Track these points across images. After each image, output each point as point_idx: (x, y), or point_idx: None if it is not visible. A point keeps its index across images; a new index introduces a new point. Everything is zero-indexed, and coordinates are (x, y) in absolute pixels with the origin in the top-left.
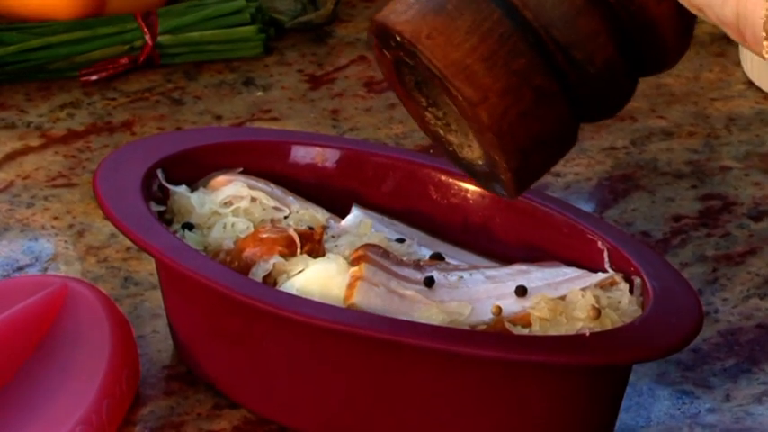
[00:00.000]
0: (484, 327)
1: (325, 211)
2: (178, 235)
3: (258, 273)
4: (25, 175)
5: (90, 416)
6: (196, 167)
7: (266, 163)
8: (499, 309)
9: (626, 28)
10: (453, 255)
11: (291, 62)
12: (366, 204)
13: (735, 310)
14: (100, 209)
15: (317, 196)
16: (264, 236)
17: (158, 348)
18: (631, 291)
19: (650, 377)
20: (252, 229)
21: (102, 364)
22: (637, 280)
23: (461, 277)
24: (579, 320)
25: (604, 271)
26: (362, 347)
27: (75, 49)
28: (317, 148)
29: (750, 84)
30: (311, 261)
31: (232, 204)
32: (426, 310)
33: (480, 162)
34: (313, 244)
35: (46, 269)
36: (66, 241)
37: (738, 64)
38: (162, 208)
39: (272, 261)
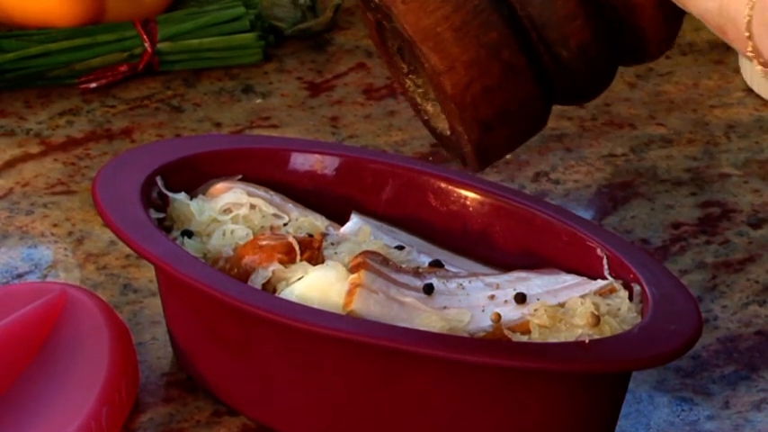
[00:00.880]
0: (483, 334)
1: (324, 219)
2: (177, 242)
3: (257, 280)
4: (24, 183)
5: (89, 423)
6: (195, 175)
7: (265, 170)
8: (498, 316)
9: (606, 14)
10: (452, 262)
11: (291, 69)
12: (365, 211)
13: (734, 317)
14: (99, 216)
15: (316, 203)
16: (264, 243)
17: (158, 355)
18: (631, 298)
19: (649, 384)
20: (251, 237)
21: (102, 372)
22: (636, 287)
23: (461, 284)
24: (578, 328)
25: (604, 278)
26: (362, 354)
27: (75, 56)
28: (317, 156)
29: (749, 91)
30: (310, 268)
31: (231, 211)
32: (425, 318)
33: (448, 133)
34: (312, 251)
35: (45, 276)
36: (65, 248)
37: (737, 71)
38: (161, 215)
39: (271, 268)
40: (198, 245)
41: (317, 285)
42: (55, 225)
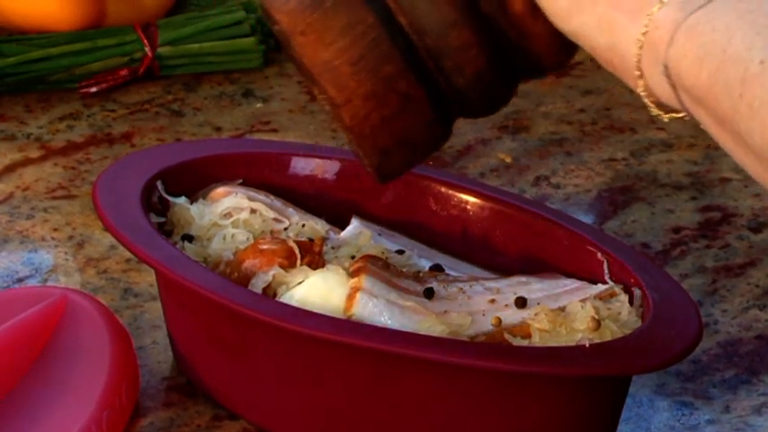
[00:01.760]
0: (483, 338)
1: (324, 223)
2: (178, 246)
3: (258, 284)
4: (25, 187)
5: (90, 427)
6: (196, 179)
7: (266, 174)
8: (499, 320)
9: (501, 42)
10: (453, 266)
11: (291, 74)
12: (365, 216)
13: (734, 321)
14: (99, 220)
15: (316, 208)
16: (264, 247)
17: (158, 360)
18: (631, 302)
19: (650, 388)
20: (251, 241)
21: (102, 376)
22: (636, 291)
23: (461, 289)
24: (579, 332)
25: (604, 282)
26: (362, 359)
27: (75, 60)
28: (317, 160)
29: None
30: (311, 272)
31: (232, 216)
32: (426, 322)
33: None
34: (313, 255)
35: (46, 280)
36: (65, 253)
37: None
38: (162, 219)
39: (271, 272)
40: (198, 249)
41: (318, 290)
42: (55, 229)
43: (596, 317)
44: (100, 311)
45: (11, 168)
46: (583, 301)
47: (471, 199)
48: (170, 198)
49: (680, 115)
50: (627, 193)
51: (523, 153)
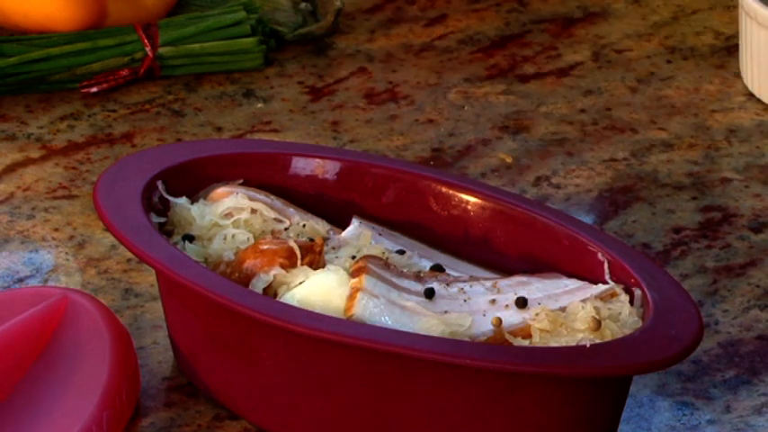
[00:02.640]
0: (484, 338)
1: (325, 223)
2: (178, 246)
3: (258, 284)
4: (26, 187)
5: (90, 427)
6: (196, 179)
7: (267, 175)
8: (499, 320)
9: None
10: (454, 266)
11: (292, 74)
12: (366, 216)
13: (735, 321)
14: (100, 220)
15: (317, 208)
16: (265, 247)
17: (159, 360)
18: (632, 302)
19: (650, 388)
20: (252, 241)
21: (103, 376)
22: (637, 291)
23: (462, 289)
24: (579, 332)
25: (605, 282)
26: (363, 359)
27: (76, 60)
28: (318, 160)
29: (750, 95)
30: (311, 272)
31: (232, 216)
32: (426, 322)
33: None
34: (313, 255)
35: (46, 281)
36: (66, 253)
37: (739, 75)
38: (162, 219)
39: (272, 272)
40: (199, 249)
41: (319, 290)
42: (56, 229)
43: (597, 317)
44: (100, 312)
45: (11, 168)
46: (583, 301)
47: (472, 199)
48: (171, 198)
49: None
50: (627, 193)
51: (524, 153)
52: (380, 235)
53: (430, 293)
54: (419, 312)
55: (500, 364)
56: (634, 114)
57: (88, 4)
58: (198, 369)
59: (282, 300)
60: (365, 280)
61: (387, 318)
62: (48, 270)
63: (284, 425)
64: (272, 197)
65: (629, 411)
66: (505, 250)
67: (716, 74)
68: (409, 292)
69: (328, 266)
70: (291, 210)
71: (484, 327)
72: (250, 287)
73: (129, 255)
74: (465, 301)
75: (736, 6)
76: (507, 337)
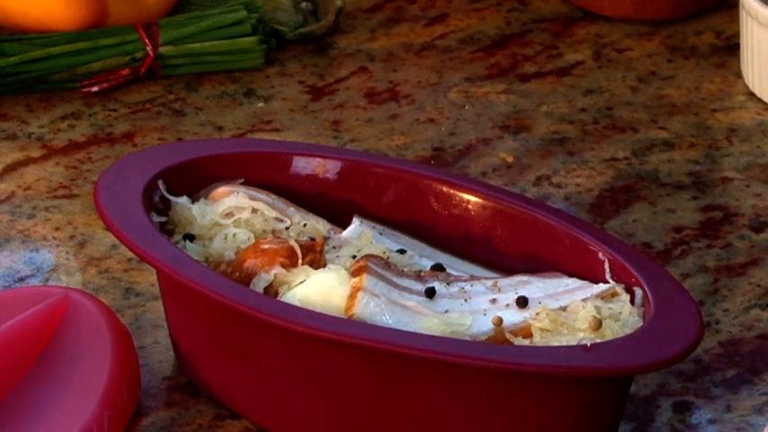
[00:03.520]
0: (485, 338)
1: (326, 222)
2: (179, 246)
3: (259, 284)
4: (26, 186)
5: (91, 426)
6: (197, 178)
7: (267, 174)
8: (500, 320)
9: None
10: (454, 266)
11: (292, 73)
12: (367, 215)
13: (736, 320)
14: (101, 220)
15: (318, 207)
16: (266, 247)
17: (159, 359)
18: (632, 302)
19: (651, 388)
20: (253, 240)
21: (103, 375)
22: (638, 291)
23: (462, 288)
24: (580, 331)
25: (605, 282)
26: (363, 358)
27: (77, 60)
28: (318, 160)
29: (751, 95)
30: (312, 272)
31: (233, 215)
32: (427, 321)
33: None
34: (314, 255)
35: (47, 280)
36: (67, 252)
37: (739, 75)
38: (163, 219)
39: (273, 272)
40: (200, 249)
41: (319, 289)
42: (57, 229)
43: (597, 316)
44: (101, 311)
45: (12, 168)
46: (584, 300)
47: (473, 198)
48: (171, 198)
49: None
50: (628, 192)
51: (525, 152)
52: (381, 234)
53: (431, 293)
54: (420, 312)
55: (501, 364)
56: (635, 114)
57: (89, 3)
58: (199, 368)
59: (283, 299)
60: (366, 279)
61: (387, 317)
62: (48, 269)
63: (285, 424)
64: (273, 196)
65: (629, 411)
66: (506, 250)
67: (717, 73)
68: (410, 291)
69: (329, 266)
70: (292, 209)
71: (485, 326)
72: (251, 286)
73: (130, 254)
74: (466, 300)
75: (736, 6)
76: (508, 336)
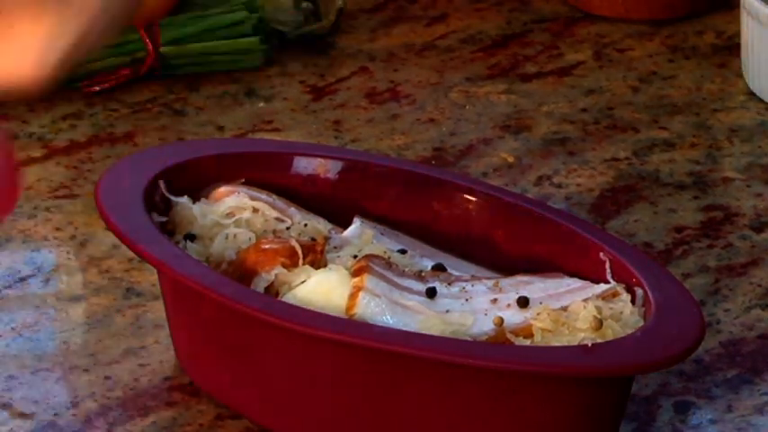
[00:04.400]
0: (485, 338)
1: (326, 222)
2: (180, 246)
3: (260, 284)
4: (27, 186)
5: None
6: (198, 178)
7: (268, 174)
8: (501, 320)
9: None
10: (455, 266)
11: (293, 73)
12: (368, 215)
13: (737, 320)
14: (102, 220)
15: (318, 207)
16: (266, 247)
17: (160, 359)
18: (633, 302)
19: (652, 388)
20: (254, 240)
21: None
22: (639, 291)
23: (463, 288)
24: (581, 331)
25: (606, 282)
26: (364, 358)
27: None
28: (319, 159)
29: (752, 95)
30: (313, 272)
31: (234, 215)
32: (428, 321)
33: None
34: (315, 255)
35: (48, 280)
36: (68, 252)
37: (740, 75)
38: (164, 219)
39: (273, 272)
40: (200, 249)
41: (320, 289)
42: (57, 229)
43: (598, 316)
44: None
45: None
46: (585, 300)
47: (473, 198)
48: (172, 197)
49: None
50: (629, 192)
51: (526, 152)
52: (382, 234)
53: (431, 293)
54: (421, 312)
55: (501, 364)
56: (636, 114)
57: None
58: (200, 368)
59: (284, 299)
60: (367, 279)
61: (388, 317)
62: (49, 269)
63: (286, 424)
64: (274, 196)
65: (630, 411)
66: (507, 250)
67: (717, 73)
68: (411, 291)
69: (330, 266)
70: (293, 209)
71: (485, 326)
72: (252, 286)
73: (131, 254)
74: (466, 300)
75: (737, 6)
76: (509, 336)
